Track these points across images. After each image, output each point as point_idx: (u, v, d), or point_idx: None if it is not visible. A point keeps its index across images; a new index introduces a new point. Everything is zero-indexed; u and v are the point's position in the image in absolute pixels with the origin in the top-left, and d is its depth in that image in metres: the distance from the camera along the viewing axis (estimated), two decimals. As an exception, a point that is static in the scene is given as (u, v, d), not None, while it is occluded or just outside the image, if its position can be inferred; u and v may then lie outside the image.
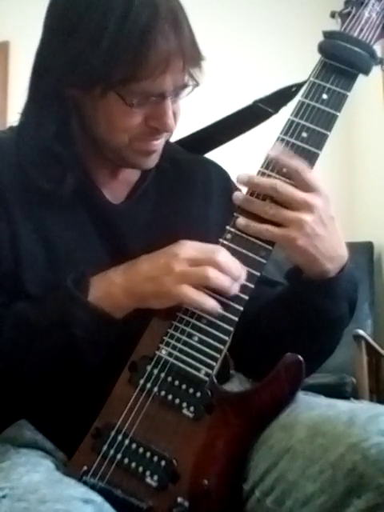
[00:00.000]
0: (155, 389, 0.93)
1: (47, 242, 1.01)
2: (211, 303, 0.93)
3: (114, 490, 0.90)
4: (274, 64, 3.50)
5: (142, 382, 0.94)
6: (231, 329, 0.94)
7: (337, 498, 0.80)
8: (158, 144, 1.03)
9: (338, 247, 0.97)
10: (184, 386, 0.93)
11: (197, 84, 1.01)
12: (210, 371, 0.93)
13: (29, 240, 1.00)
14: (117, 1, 0.93)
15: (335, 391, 2.36)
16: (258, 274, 0.95)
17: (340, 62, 1.00)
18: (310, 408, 0.92)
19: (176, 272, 0.92)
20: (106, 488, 0.90)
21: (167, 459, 0.91)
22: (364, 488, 0.79)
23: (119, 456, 0.92)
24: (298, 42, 3.22)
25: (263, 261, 0.96)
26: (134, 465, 0.91)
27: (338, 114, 0.99)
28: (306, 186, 0.95)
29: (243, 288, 0.95)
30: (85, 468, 0.92)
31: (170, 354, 0.94)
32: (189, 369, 0.93)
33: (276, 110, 1.13)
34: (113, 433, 0.92)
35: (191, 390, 0.93)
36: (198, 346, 0.94)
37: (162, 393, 0.93)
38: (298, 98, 1.01)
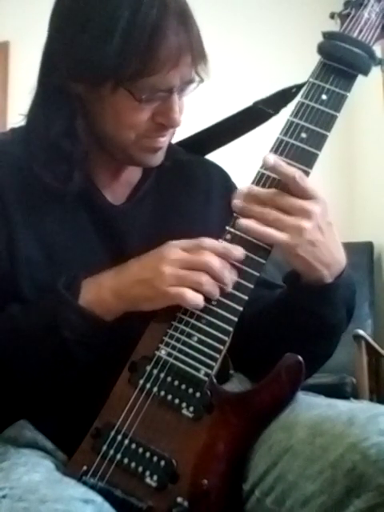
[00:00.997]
0: (155, 389, 0.93)
1: (45, 245, 1.01)
2: (202, 300, 0.93)
3: (114, 489, 0.90)
4: (273, 65, 3.51)
5: (141, 382, 0.94)
6: (230, 329, 0.94)
7: (336, 497, 0.80)
8: (164, 141, 1.04)
9: (335, 253, 0.97)
10: (183, 386, 0.93)
11: (202, 80, 1.02)
12: (209, 371, 0.93)
13: (27, 242, 1.00)
14: None
15: (335, 391, 2.36)
16: (257, 274, 0.95)
17: (339, 63, 1.00)
18: (310, 408, 0.92)
19: (166, 275, 0.92)
20: (106, 488, 0.90)
21: (167, 459, 0.91)
22: (364, 488, 0.78)
23: (119, 456, 0.92)
24: (298, 42, 3.22)
25: (262, 261, 0.96)
26: (133, 465, 0.91)
27: (338, 114, 0.99)
28: (304, 194, 0.94)
29: (243, 288, 0.95)
30: (84, 468, 0.92)
31: (169, 355, 0.94)
32: (188, 369, 0.93)
33: (276, 111, 1.13)
34: (112, 433, 0.92)
35: (191, 390, 0.93)
36: (198, 346, 0.94)
37: (162, 393, 0.93)
38: (298, 98, 1.02)
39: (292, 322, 1.01)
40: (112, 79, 0.95)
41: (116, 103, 0.97)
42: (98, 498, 0.85)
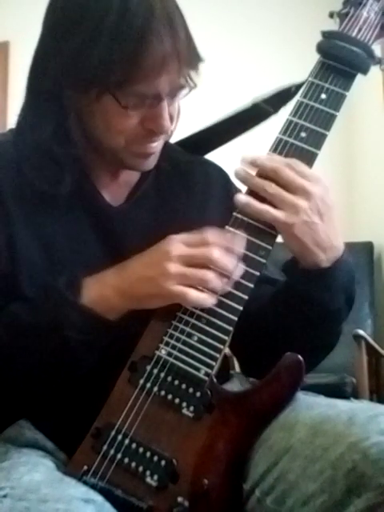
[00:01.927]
0: (155, 388, 0.93)
1: (45, 245, 1.01)
2: (210, 301, 0.93)
3: (114, 489, 0.90)
4: (273, 64, 3.51)
5: (141, 381, 0.94)
6: (231, 328, 0.94)
7: (337, 497, 0.80)
8: (155, 146, 1.03)
9: (333, 238, 0.97)
10: (184, 386, 0.93)
11: (194, 86, 1.01)
12: (209, 371, 0.93)
13: (27, 242, 1.00)
14: (113, 3, 0.93)
15: (335, 391, 2.37)
16: (257, 273, 0.95)
17: (338, 62, 1.01)
18: (310, 408, 0.93)
19: (171, 273, 0.91)
20: (106, 488, 0.90)
21: (167, 459, 0.91)
22: (364, 487, 0.79)
23: (119, 456, 0.92)
24: (297, 42, 3.22)
25: (263, 260, 0.96)
26: (134, 464, 0.91)
27: (337, 113, 0.99)
28: (305, 175, 0.95)
29: (243, 288, 0.95)
30: (85, 468, 0.92)
31: (169, 354, 0.94)
32: (188, 368, 0.93)
33: (275, 110, 1.13)
34: (113, 433, 0.92)
35: (191, 390, 0.93)
36: (198, 345, 0.94)
37: (162, 392, 0.93)
38: (297, 97, 1.02)
39: (291, 311, 1.01)
40: (98, 85, 0.94)
41: (104, 109, 0.97)
42: (99, 498, 0.85)
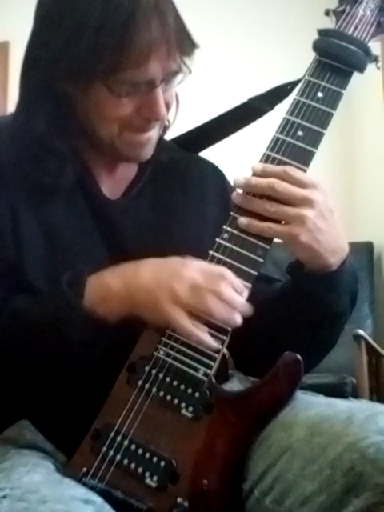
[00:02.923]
0: (154, 389, 0.93)
1: (48, 234, 1.01)
2: (200, 337, 0.92)
3: (114, 491, 0.90)
4: (268, 62, 3.50)
5: (140, 382, 0.93)
6: (229, 328, 0.94)
7: (335, 497, 0.81)
8: (150, 135, 1.03)
9: (338, 240, 0.97)
10: (182, 386, 0.93)
11: (189, 72, 1.01)
12: (208, 371, 0.93)
13: (31, 231, 1.00)
14: None
15: (335, 391, 2.36)
16: (255, 273, 0.95)
17: (335, 60, 1.00)
18: (309, 407, 0.93)
19: (176, 294, 0.91)
20: (106, 489, 0.90)
21: (167, 460, 0.91)
22: (362, 487, 0.79)
23: (119, 457, 0.91)
24: (293, 39, 3.22)
25: (260, 260, 0.95)
26: (133, 466, 0.91)
27: (334, 111, 0.99)
28: (302, 183, 0.95)
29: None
30: (84, 469, 0.91)
31: (167, 355, 0.94)
32: (187, 369, 0.93)
33: (271, 107, 1.13)
34: (112, 434, 0.92)
35: (190, 390, 0.93)
36: (196, 346, 0.93)
37: (161, 393, 0.93)
38: (293, 96, 1.01)
39: (296, 312, 1.01)
40: (87, 74, 0.95)
41: (97, 98, 0.97)
42: (98, 499, 0.85)
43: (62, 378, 0.96)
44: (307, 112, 0.99)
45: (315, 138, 0.98)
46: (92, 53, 0.93)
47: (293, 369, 0.92)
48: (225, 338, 0.94)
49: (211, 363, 0.93)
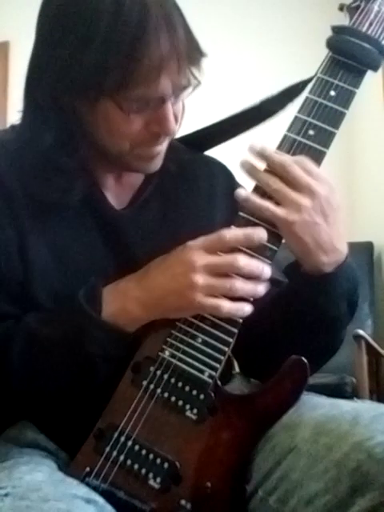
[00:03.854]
0: (158, 390, 0.93)
1: (56, 251, 0.99)
2: (246, 308, 0.92)
3: (117, 491, 0.90)
4: (281, 59, 3.49)
5: (145, 383, 0.93)
6: (235, 330, 0.93)
7: (341, 496, 0.81)
8: (161, 148, 1.01)
9: (336, 241, 0.95)
10: (187, 388, 0.93)
11: (198, 83, 0.98)
12: (213, 373, 0.93)
13: (37, 249, 0.98)
14: (106, 4, 0.89)
15: (335, 391, 2.36)
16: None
17: (349, 58, 0.98)
18: (314, 408, 0.93)
19: (199, 285, 0.90)
20: (109, 489, 0.90)
21: (170, 461, 0.91)
22: (368, 487, 0.79)
23: (122, 457, 0.91)
24: (304, 38, 3.21)
25: (268, 261, 0.94)
26: (136, 466, 0.91)
27: (346, 111, 0.97)
28: (312, 174, 0.94)
29: None
30: (87, 469, 0.91)
31: (173, 356, 0.93)
32: (192, 371, 0.93)
33: (282, 107, 1.11)
34: (116, 434, 0.92)
35: (194, 392, 0.92)
36: (202, 347, 0.93)
37: (165, 394, 0.92)
38: (305, 94, 0.99)
39: (292, 315, 1.00)
40: (94, 91, 0.91)
41: (105, 115, 0.94)
42: (100, 499, 0.85)
43: (78, 391, 0.94)
44: (319, 111, 0.97)
45: (327, 138, 0.96)
46: (99, 68, 0.89)
47: (299, 373, 0.91)
48: (235, 330, 0.94)
49: (216, 365, 0.93)
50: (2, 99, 3.75)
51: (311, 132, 0.97)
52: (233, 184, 1.15)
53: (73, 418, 0.97)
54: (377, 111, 3.24)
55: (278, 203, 0.93)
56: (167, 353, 0.94)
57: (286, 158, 0.94)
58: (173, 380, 0.93)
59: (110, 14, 0.89)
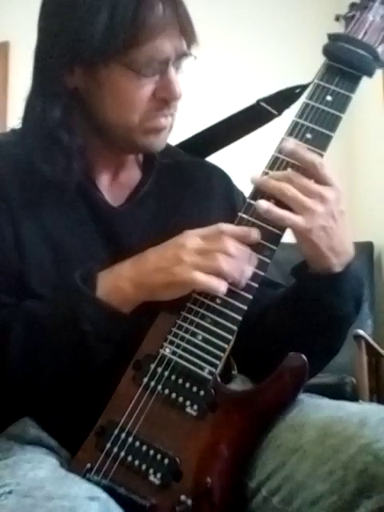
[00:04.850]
0: (159, 387, 0.93)
1: (51, 242, 1.01)
2: (223, 287, 0.93)
3: (118, 487, 0.90)
4: (278, 66, 3.49)
5: (145, 380, 0.94)
6: (235, 328, 0.94)
7: (347, 498, 0.80)
8: (167, 121, 1.04)
9: (345, 242, 0.97)
10: (188, 385, 0.93)
11: (194, 57, 1.03)
12: (213, 370, 0.93)
13: (33, 240, 1.00)
14: None
15: (335, 391, 2.36)
16: (262, 273, 0.96)
17: (344, 65, 1.01)
18: (319, 409, 0.93)
19: (186, 261, 0.92)
20: (110, 486, 0.90)
21: (170, 457, 0.91)
22: (375, 489, 0.79)
23: (123, 454, 0.92)
24: (301, 44, 3.22)
25: (267, 260, 0.96)
26: (137, 463, 0.91)
27: (343, 115, 0.99)
28: (322, 180, 0.95)
29: (247, 287, 0.95)
30: (88, 465, 0.92)
31: (173, 353, 0.94)
32: (193, 367, 0.94)
33: (279, 112, 1.13)
34: (116, 431, 0.92)
35: (195, 389, 0.93)
36: (202, 344, 0.94)
37: (166, 391, 0.93)
38: (303, 99, 1.02)
39: (300, 314, 1.01)
40: (104, 53, 0.96)
41: (116, 84, 0.99)
42: (103, 495, 0.85)
43: (76, 374, 0.96)
44: (316, 115, 1.00)
45: (324, 141, 0.99)
46: (108, 30, 0.95)
47: (298, 369, 0.92)
48: (235, 328, 0.94)
49: (216, 362, 0.93)
50: (2, 99, 3.74)
51: (309, 135, 0.99)
52: (230, 188, 1.16)
53: (74, 415, 0.97)
54: (377, 112, 3.25)
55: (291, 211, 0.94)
56: (168, 350, 0.94)
57: (288, 171, 0.96)
58: (173, 377, 0.94)
59: None
